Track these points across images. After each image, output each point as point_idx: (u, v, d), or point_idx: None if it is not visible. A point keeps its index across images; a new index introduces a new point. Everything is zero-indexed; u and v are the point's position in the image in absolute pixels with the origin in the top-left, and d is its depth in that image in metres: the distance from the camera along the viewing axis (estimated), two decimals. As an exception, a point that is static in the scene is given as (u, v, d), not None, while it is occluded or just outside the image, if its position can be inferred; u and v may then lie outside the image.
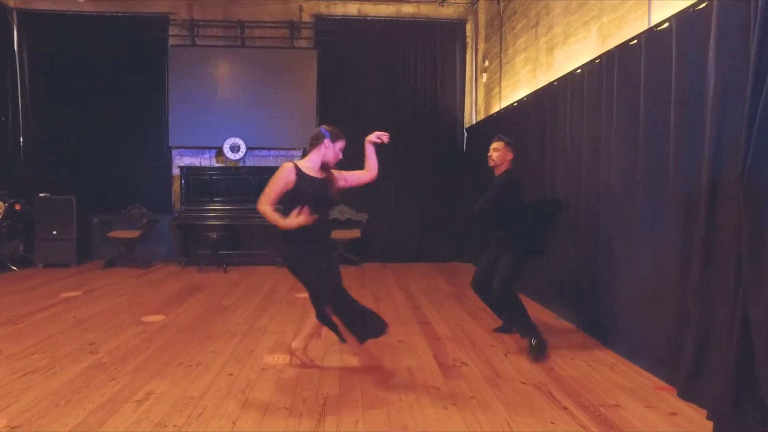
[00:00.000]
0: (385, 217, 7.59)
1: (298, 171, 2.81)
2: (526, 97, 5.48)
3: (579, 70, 4.11)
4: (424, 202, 7.76)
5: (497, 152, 3.53)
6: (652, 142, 3.07)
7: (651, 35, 3.11)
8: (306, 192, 2.75)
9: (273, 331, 3.90)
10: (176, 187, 7.86)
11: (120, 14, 7.76)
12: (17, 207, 6.46)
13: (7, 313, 4.38)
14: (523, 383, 2.88)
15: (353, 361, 3.23)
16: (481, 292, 3.67)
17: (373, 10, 7.91)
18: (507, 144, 3.55)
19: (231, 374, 2.99)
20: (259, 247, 7.12)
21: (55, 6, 7.67)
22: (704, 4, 2.66)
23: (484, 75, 7.60)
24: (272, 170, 7.25)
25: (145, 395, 2.67)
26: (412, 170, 7.73)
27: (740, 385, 2.24)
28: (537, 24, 5.60)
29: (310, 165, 2.88)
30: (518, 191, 3.55)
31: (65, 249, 6.90)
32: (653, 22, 3.40)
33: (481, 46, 7.79)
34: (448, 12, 7.93)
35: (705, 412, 2.48)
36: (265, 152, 7.87)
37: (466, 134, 7.98)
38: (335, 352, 3.39)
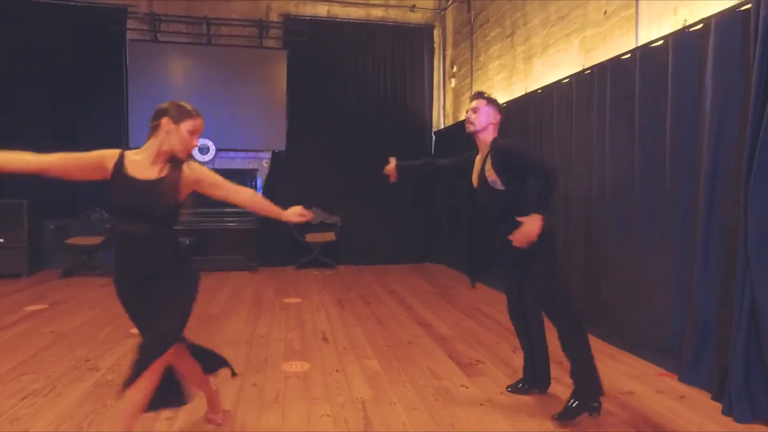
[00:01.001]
0: (356, 219, 7.60)
1: (117, 165, 1.96)
2: (505, 103, 5.70)
3: (567, 80, 4.35)
4: (395, 203, 7.84)
5: (477, 113, 2.64)
6: (648, 147, 3.33)
7: (645, 51, 3.38)
8: (112, 197, 1.97)
9: (277, 338, 3.83)
10: (136, 190, 7.46)
11: (73, 3, 7.25)
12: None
13: (-29, 331, 4.00)
14: (542, 378, 3.03)
15: (373, 364, 3.25)
16: (522, 323, 2.76)
17: (342, 12, 7.90)
18: (490, 102, 2.66)
19: (255, 384, 2.93)
20: (229, 252, 6.91)
21: (1, -8, 7.05)
22: (700, 26, 2.94)
23: (453, 80, 7.81)
24: (242, 173, 7.31)
25: (173, 411, 2.56)
26: (381, 172, 7.78)
27: (747, 368, 2.51)
28: (513, 33, 5.85)
29: (138, 158, 1.99)
30: (525, 156, 2.60)
31: (15, 258, 6.35)
32: (641, 39, 3.69)
33: (449, 51, 8.00)
34: (416, 17, 8.07)
35: (709, 394, 2.75)
36: (232, 154, 7.64)
37: (434, 137, 8.16)
38: (351, 356, 3.40)
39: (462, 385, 2.92)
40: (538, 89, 4.89)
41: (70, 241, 6.47)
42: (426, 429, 2.38)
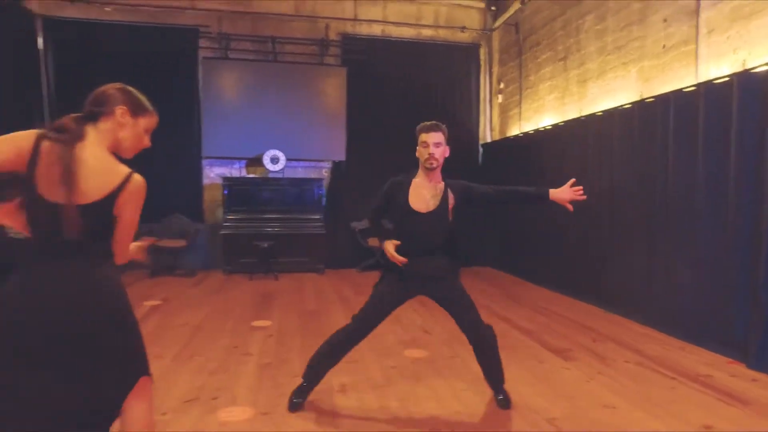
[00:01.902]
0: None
1: (34, 151, 1.52)
2: (561, 123, 6.30)
3: (629, 106, 4.95)
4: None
5: (439, 148, 2.66)
6: (711, 169, 3.92)
7: (710, 87, 3.97)
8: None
9: (384, 331, 4.42)
10: (207, 196, 8.10)
11: (149, 24, 7.89)
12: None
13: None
14: (627, 362, 3.63)
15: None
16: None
17: (396, 32, 8.52)
18: (445, 134, 2.72)
19: (394, 367, 3.53)
20: (298, 255, 7.52)
21: (82, 14, 7.68)
22: (766, 68, 3.53)
23: (500, 96, 8.42)
24: (307, 181, 7.92)
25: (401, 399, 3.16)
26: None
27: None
28: (566, 57, 6.45)
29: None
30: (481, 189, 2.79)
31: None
32: (701, 73, 4.29)
33: (496, 69, 8.60)
34: (463, 36, 8.67)
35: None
36: (295, 164, 8.26)
37: (481, 150, 8.76)
38: (457, 345, 4.00)
39: (564, 368, 3.52)
40: (598, 112, 5.48)
41: (159, 243, 7.09)
42: (548, 398, 2.97)
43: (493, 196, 2.84)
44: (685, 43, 4.50)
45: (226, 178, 7.62)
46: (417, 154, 2.76)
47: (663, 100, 4.46)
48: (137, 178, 1.64)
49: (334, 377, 3.23)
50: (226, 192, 7.46)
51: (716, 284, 3.89)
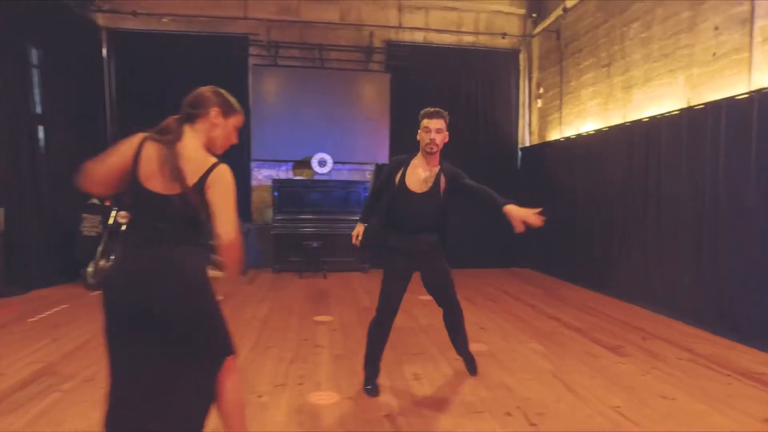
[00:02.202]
0: (452, 225, 8.40)
1: (137, 152, 1.79)
2: (605, 128, 6.44)
3: (677, 113, 5.09)
4: (483, 212, 8.59)
5: (440, 134, 2.92)
6: (763, 181, 4.05)
7: (764, 95, 4.10)
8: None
9: (442, 327, 4.67)
10: (255, 197, 8.49)
11: (202, 34, 8.31)
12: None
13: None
14: (680, 359, 3.79)
15: (537, 346, 4.06)
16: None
17: (437, 38, 8.76)
18: (447, 122, 2.96)
19: (457, 359, 3.78)
20: (344, 255, 7.81)
21: (142, 25, 8.14)
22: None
23: (539, 101, 8.58)
24: (353, 183, 8.22)
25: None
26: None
27: None
28: (609, 64, 6.59)
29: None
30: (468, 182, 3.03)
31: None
32: (754, 81, 4.41)
33: (535, 74, 8.77)
34: (503, 42, 8.86)
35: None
36: (339, 166, 8.57)
37: (520, 153, 8.93)
38: (514, 341, 4.21)
39: (618, 362, 3.71)
40: (644, 118, 5.62)
41: (213, 241, 7.47)
42: (608, 389, 3.17)
43: (469, 189, 2.99)
44: (737, 51, 4.62)
45: (276, 180, 7.97)
46: (418, 137, 2.98)
47: (714, 107, 4.59)
48: (222, 165, 1.80)
49: (406, 367, 3.51)
50: (276, 194, 7.81)
51: (766, 287, 4.02)
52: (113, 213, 6.54)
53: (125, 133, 6.94)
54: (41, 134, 6.42)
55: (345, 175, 8.62)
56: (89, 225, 6.54)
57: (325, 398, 3.01)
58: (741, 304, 4.27)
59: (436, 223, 3.01)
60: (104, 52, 8.11)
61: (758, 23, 4.36)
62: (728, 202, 4.43)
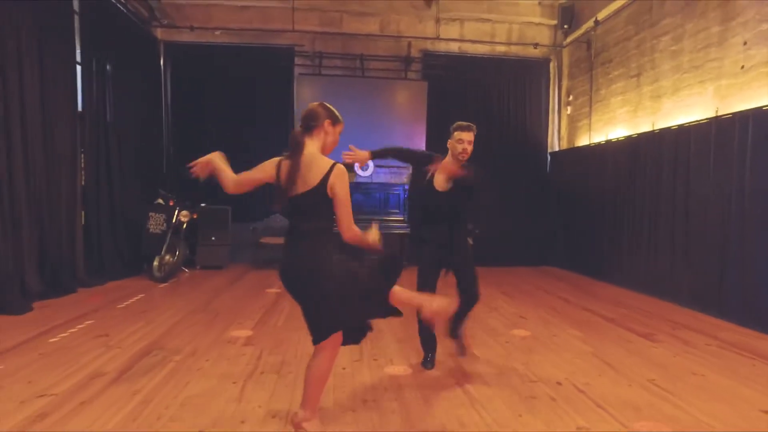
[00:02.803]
0: (485, 224, 8.85)
1: (278, 169, 2.38)
2: (634, 135, 6.84)
3: (706, 121, 5.48)
4: (514, 213, 9.06)
5: (471, 145, 3.40)
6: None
7: (786, 107, 4.49)
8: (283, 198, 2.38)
9: (482, 317, 5.14)
10: (298, 198, 9.06)
11: (252, 45, 8.91)
12: (195, 216, 7.55)
13: (264, 311, 5.54)
14: (708, 345, 4.20)
15: (576, 333, 4.51)
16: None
17: (471, 48, 9.23)
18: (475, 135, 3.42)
19: (507, 342, 4.24)
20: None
21: (196, 38, 8.76)
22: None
23: (569, 108, 8.99)
24: (394, 186, 8.74)
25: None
26: (506, 186, 9.04)
27: None
28: (639, 74, 6.98)
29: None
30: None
31: (220, 253, 8.01)
32: (777, 94, 4.79)
33: (565, 82, 9.18)
34: (534, 52, 9.29)
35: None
36: (379, 170, 9.09)
37: (549, 158, 9.34)
38: (555, 328, 4.66)
39: (651, 347, 4.13)
40: (673, 126, 6.02)
41: (264, 239, 8.07)
42: (644, 366, 3.60)
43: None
44: (765, 65, 5.00)
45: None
46: (449, 146, 3.43)
47: (741, 116, 4.99)
48: (339, 165, 2.27)
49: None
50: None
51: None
52: (176, 212, 7.17)
53: (181, 138, 7.78)
54: (112, 141, 7.05)
55: (384, 177, 9.14)
56: (155, 223, 7.17)
57: (399, 371, 3.51)
58: (764, 298, 4.65)
59: (458, 217, 3.47)
60: (162, 63, 8.78)
61: (783, 40, 4.75)
62: (753, 205, 4.81)
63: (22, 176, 5.15)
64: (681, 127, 5.90)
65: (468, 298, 3.51)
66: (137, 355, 3.69)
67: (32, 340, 3.94)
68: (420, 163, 3.57)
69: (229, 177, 2.45)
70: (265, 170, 2.40)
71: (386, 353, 3.89)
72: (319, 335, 2.35)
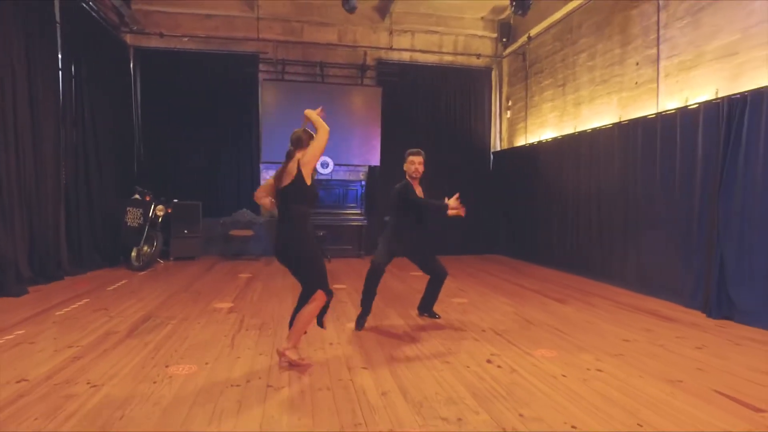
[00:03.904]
0: (435, 218, 9.83)
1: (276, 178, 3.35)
2: (560, 137, 7.98)
3: (611, 126, 6.62)
4: (464, 206, 10.06)
5: (422, 165, 4.39)
6: (666, 175, 5.59)
7: (664, 116, 5.64)
8: (310, 192, 3.27)
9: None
10: (264, 194, 9.75)
11: (218, 52, 9.53)
12: (169, 210, 8.12)
13: (247, 288, 6.25)
14: (607, 305, 5.26)
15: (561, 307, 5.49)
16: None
17: (422, 58, 10.19)
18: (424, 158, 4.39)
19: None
20: (343, 243, 9.15)
21: (164, 44, 9.30)
22: (695, 106, 5.20)
23: (508, 112, 10.10)
24: (350, 182, 9.59)
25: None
26: (453, 181, 10.03)
27: None
28: (564, 84, 8.13)
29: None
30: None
31: (192, 245, 8.61)
32: (661, 105, 5.95)
33: (505, 89, 10.29)
34: (477, 62, 10.35)
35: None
36: (338, 168, 9.90)
37: (492, 157, 10.43)
38: (536, 303, 5.63)
39: (562, 307, 5.16)
40: (589, 130, 7.16)
41: (233, 232, 8.73)
42: (552, 320, 4.60)
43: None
44: (650, 82, 6.17)
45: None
46: (405, 167, 4.42)
47: (634, 122, 6.14)
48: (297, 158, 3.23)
49: (413, 311, 4.87)
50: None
51: (663, 248, 5.55)
52: (152, 207, 7.74)
53: (150, 138, 8.65)
54: (89, 141, 7.53)
55: (343, 175, 9.96)
56: (132, 217, 7.72)
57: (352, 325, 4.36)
58: (652, 268, 5.80)
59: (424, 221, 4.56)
60: (132, 67, 9.27)
61: (662, 63, 5.92)
62: (644, 193, 5.96)
63: (14, 174, 5.66)
64: (594, 130, 7.04)
65: (439, 276, 4.52)
66: (138, 321, 4.37)
67: (40, 314, 4.54)
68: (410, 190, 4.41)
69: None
70: (273, 177, 3.35)
71: (346, 313, 4.73)
72: (308, 288, 3.27)
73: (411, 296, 5.68)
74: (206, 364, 3.27)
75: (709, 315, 4.77)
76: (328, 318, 4.42)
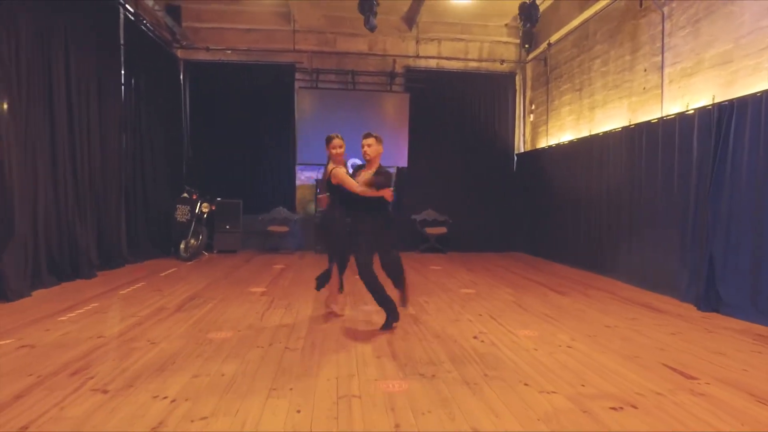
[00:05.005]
0: (460, 217, 10.35)
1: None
2: (576, 139, 8.34)
3: (620, 130, 6.97)
4: (486, 207, 10.57)
5: (371, 147, 4.21)
6: (666, 174, 5.93)
7: (666, 120, 5.98)
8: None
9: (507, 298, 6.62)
10: (298, 194, 10.55)
11: (258, 63, 10.40)
12: (213, 208, 9.04)
13: (283, 280, 7.03)
14: (604, 297, 5.67)
15: (562, 298, 6.00)
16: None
17: (448, 65, 10.73)
18: (378, 139, 4.26)
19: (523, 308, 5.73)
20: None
21: (210, 57, 10.25)
22: (692, 112, 5.53)
23: (531, 115, 10.48)
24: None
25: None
26: (477, 183, 10.54)
27: None
28: (581, 89, 8.48)
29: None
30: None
31: (234, 239, 9.51)
32: (664, 110, 6.28)
33: (528, 93, 10.68)
34: (502, 67, 10.78)
35: None
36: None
37: (516, 158, 10.84)
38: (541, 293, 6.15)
39: (560, 298, 5.61)
40: (600, 133, 7.51)
41: (270, 228, 9.57)
42: (546, 309, 5.08)
43: None
44: (656, 88, 6.50)
45: (317, 180, 10.01)
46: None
47: (639, 127, 6.48)
48: (332, 168, 4.21)
49: (421, 298, 5.47)
50: (318, 191, 9.85)
51: (663, 246, 5.89)
52: (199, 204, 8.66)
53: (198, 143, 9.85)
54: (145, 146, 8.52)
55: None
56: (181, 213, 8.66)
57: (373, 308, 4.99)
58: (651, 262, 6.15)
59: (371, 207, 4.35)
60: (181, 79, 10.27)
61: (666, 70, 6.25)
62: (647, 194, 6.31)
63: (88, 178, 6.63)
64: (605, 133, 7.40)
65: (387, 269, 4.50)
66: (185, 299, 5.19)
67: (107, 292, 5.44)
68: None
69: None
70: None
71: (364, 299, 5.38)
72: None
73: (424, 286, 6.27)
74: (238, 331, 4.00)
75: (699, 308, 5.11)
76: (347, 300, 5.16)
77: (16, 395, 2.66)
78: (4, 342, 3.56)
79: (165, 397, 2.66)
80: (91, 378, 2.91)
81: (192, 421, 2.39)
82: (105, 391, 2.72)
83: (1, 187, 4.96)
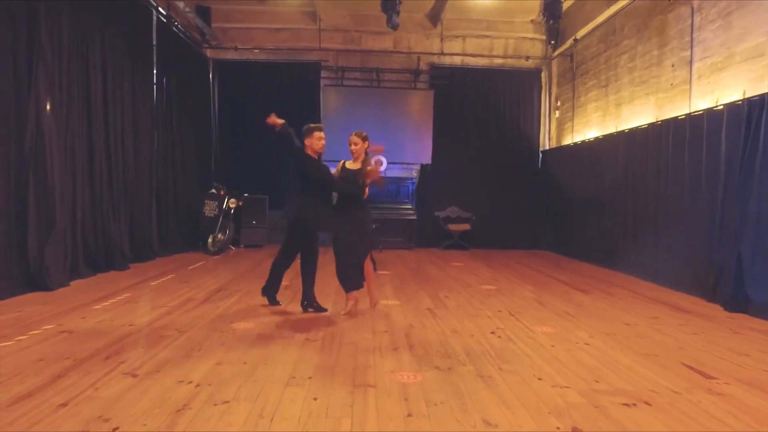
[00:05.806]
0: (484, 214, 10.32)
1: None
2: (601, 136, 8.23)
3: (646, 126, 6.85)
4: (511, 203, 10.50)
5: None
6: (693, 169, 5.81)
7: (693, 117, 5.85)
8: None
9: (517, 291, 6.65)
10: (324, 190, 10.69)
11: (285, 61, 10.58)
12: (240, 203, 9.28)
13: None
14: (626, 296, 5.61)
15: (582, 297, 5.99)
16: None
17: (472, 61, 10.69)
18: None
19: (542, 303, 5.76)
20: (395, 235, 9.88)
21: (239, 56, 10.48)
22: (721, 107, 5.41)
23: (557, 112, 10.36)
24: (404, 179, 10.32)
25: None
26: (502, 180, 10.49)
27: None
28: (607, 85, 8.35)
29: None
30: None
31: (259, 234, 9.73)
32: (693, 106, 6.14)
33: (554, 90, 10.55)
34: (527, 63, 10.68)
35: None
36: (392, 166, 10.64)
37: (541, 155, 10.73)
38: (559, 291, 6.14)
39: (582, 296, 5.58)
40: (626, 129, 7.39)
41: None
42: (567, 306, 5.06)
43: None
44: (684, 83, 6.36)
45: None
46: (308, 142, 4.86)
47: (666, 123, 6.36)
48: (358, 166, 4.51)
49: (440, 293, 5.52)
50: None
51: (690, 244, 5.77)
52: (226, 200, 8.90)
53: (226, 140, 10.13)
54: (176, 144, 8.81)
55: (397, 172, 10.70)
56: (209, 209, 8.92)
57: (393, 303, 5.07)
58: (673, 260, 6.04)
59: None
60: (210, 77, 10.55)
61: (695, 65, 6.11)
62: (671, 193, 6.20)
63: (121, 175, 6.92)
64: (631, 130, 7.28)
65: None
66: (212, 291, 5.38)
67: (139, 284, 5.68)
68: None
69: None
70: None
71: (384, 293, 5.47)
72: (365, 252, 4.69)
73: (444, 281, 6.32)
74: (261, 322, 4.14)
75: (726, 309, 5.01)
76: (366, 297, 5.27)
77: (56, 375, 2.85)
78: (46, 327, 3.79)
79: (190, 382, 2.80)
80: (123, 362, 3.09)
81: (215, 405, 2.52)
82: (135, 375, 2.89)
83: (45, 186, 5.23)
